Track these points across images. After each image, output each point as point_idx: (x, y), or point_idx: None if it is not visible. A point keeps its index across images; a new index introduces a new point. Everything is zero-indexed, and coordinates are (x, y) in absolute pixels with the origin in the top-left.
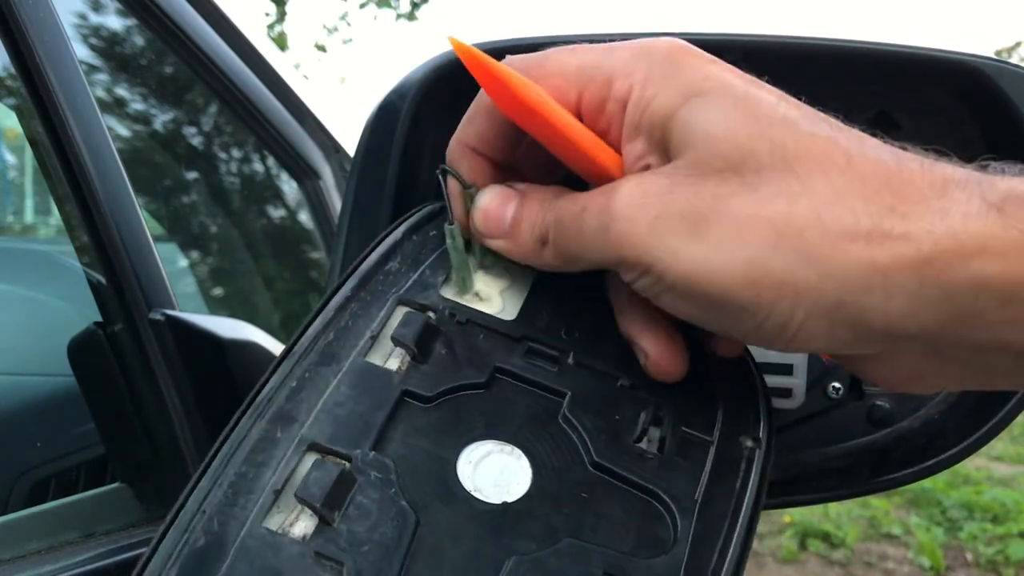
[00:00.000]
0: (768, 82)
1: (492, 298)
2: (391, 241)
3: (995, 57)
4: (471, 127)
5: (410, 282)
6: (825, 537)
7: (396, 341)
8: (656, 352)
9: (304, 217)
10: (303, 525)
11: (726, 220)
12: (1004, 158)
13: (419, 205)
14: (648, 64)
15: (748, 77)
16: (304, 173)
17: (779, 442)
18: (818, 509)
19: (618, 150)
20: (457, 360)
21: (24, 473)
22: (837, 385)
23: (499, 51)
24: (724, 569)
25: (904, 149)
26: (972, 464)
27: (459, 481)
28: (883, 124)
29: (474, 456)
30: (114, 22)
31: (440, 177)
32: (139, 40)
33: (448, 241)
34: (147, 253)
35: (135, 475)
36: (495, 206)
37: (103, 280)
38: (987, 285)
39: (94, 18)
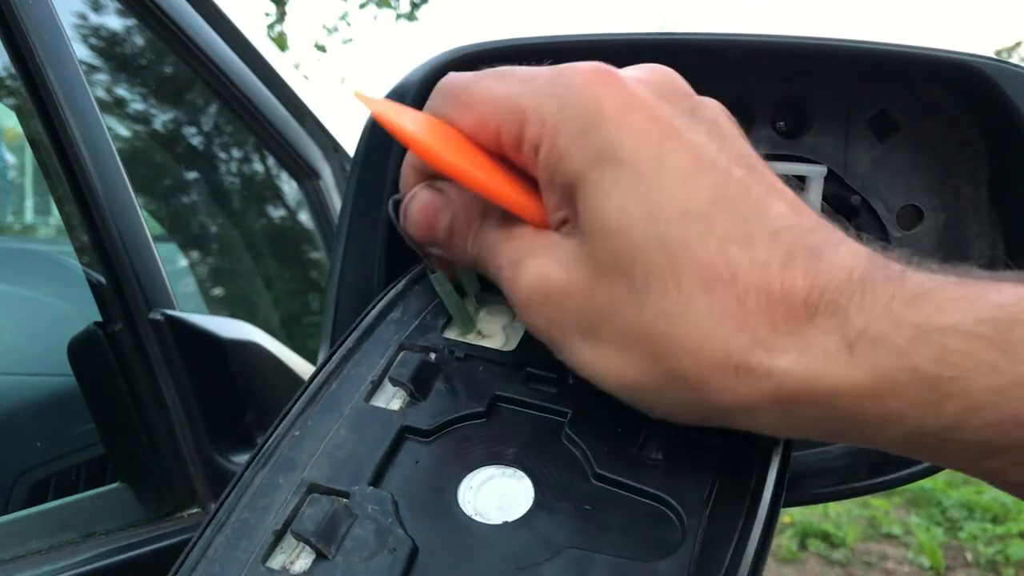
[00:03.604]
0: (763, 81)
1: (495, 334)
2: (393, 294)
3: (995, 57)
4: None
5: (412, 328)
6: (825, 537)
7: (393, 380)
8: None
9: (304, 217)
10: (303, 562)
11: (613, 331)
12: (1004, 158)
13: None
14: (560, 107)
15: (668, 126)
16: (304, 173)
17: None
18: (818, 509)
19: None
20: (457, 394)
21: (24, 473)
22: None
23: (499, 52)
24: (741, 566)
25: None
26: None
27: (460, 507)
28: (883, 124)
29: (475, 482)
30: (114, 22)
31: (390, 210)
32: (139, 40)
33: (437, 288)
34: (147, 253)
35: (135, 475)
36: (426, 218)
37: (103, 280)
38: (840, 418)
39: (94, 18)
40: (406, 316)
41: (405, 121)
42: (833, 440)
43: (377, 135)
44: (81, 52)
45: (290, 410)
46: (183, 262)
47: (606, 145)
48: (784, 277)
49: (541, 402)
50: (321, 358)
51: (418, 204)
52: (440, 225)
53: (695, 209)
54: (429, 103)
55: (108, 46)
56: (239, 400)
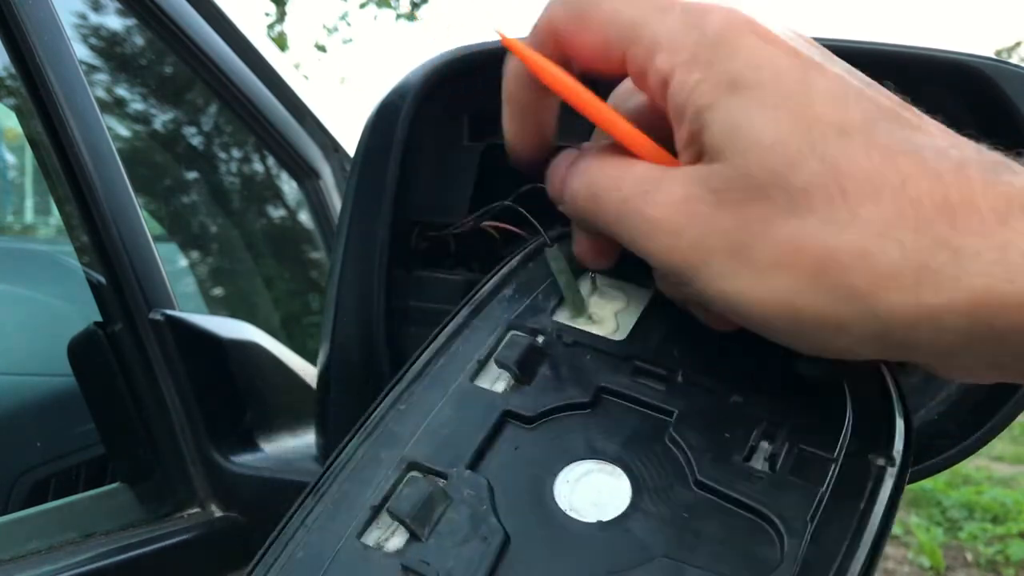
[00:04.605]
0: None
1: (606, 320)
2: (507, 269)
3: (995, 57)
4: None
5: (523, 307)
6: None
7: (499, 363)
8: None
9: (304, 217)
10: (397, 540)
11: (769, 247)
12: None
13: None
14: (695, 41)
15: (809, 58)
16: (304, 173)
17: None
18: None
19: (662, 122)
20: (562, 380)
21: (24, 473)
22: None
23: (499, 52)
24: None
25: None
26: (972, 464)
27: (555, 500)
28: None
29: (572, 475)
30: (114, 22)
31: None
32: (139, 40)
33: (552, 264)
34: (147, 253)
35: (135, 475)
36: (555, 166)
37: (103, 280)
38: None
39: (94, 18)
40: (518, 294)
41: (550, 65)
42: (1021, 361)
43: (377, 135)
44: (81, 52)
45: (397, 383)
46: (183, 262)
47: (746, 71)
48: (960, 185)
49: (647, 398)
50: (322, 357)
51: (558, 157)
52: (561, 172)
53: (852, 125)
54: (547, 12)
55: (108, 46)
56: (239, 400)
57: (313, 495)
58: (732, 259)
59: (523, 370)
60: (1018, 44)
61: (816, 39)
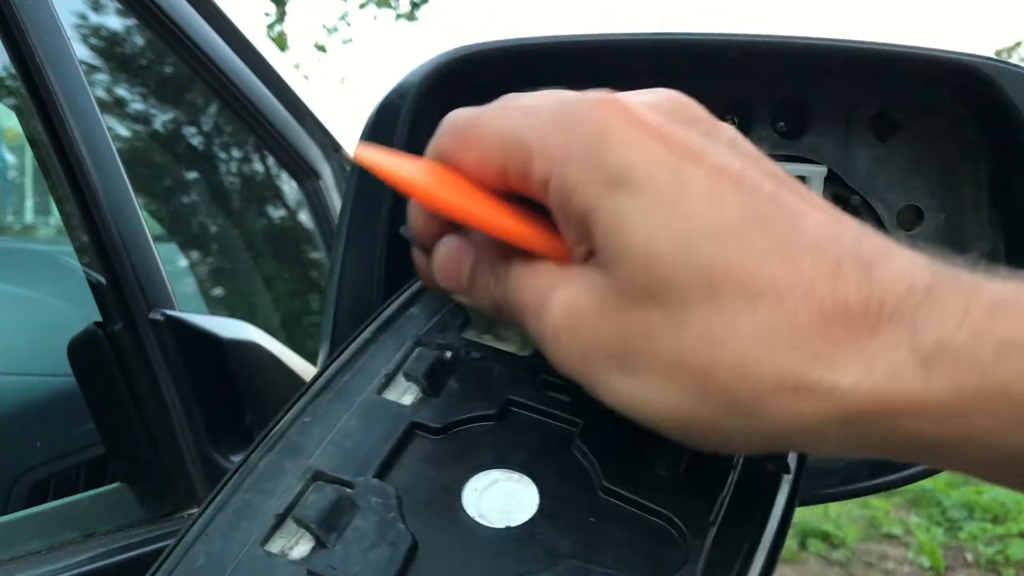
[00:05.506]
0: (763, 82)
1: (513, 338)
2: (415, 288)
3: (995, 57)
4: None
5: (430, 325)
6: (825, 537)
7: (407, 375)
8: None
9: (304, 217)
10: (302, 548)
11: (652, 360)
12: (1004, 158)
13: None
14: (567, 140)
15: (685, 147)
16: (304, 173)
17: None
18: (818, 509)
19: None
20: (469, 393)
21: (24, 473)
22: None
23: (499, 52)
24: None
25: (856, 216)
26: None
27: (463, 507)
28: (883, 124)
29: (480, 484)
30: (114, 22)
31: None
32: (139, 40)
33: None
34: (147, 253)
35: (135, 475)
36: (450, 265)
37: (103, 280)
38: (914, 441)
39: (94, 18)
40: (425, 312)
41: (402, 169)
42: (905, 460)
43: (378, 135)
44: (81, 52)
45: (302, 396)
46: (183, 262)
47: (618, 172)
48: (835, 291)
49: (554, 410)
50: (322, 357)
51: (442, 251)
52: (463, 271)
53: (727, 229)
54: (434, 143)
55: (108, 46)
56: (239, 400)
57: (214, 505)
58: (621, 370)
59: (431, 383)
60: (1018, 44)
61: (815, 39)
